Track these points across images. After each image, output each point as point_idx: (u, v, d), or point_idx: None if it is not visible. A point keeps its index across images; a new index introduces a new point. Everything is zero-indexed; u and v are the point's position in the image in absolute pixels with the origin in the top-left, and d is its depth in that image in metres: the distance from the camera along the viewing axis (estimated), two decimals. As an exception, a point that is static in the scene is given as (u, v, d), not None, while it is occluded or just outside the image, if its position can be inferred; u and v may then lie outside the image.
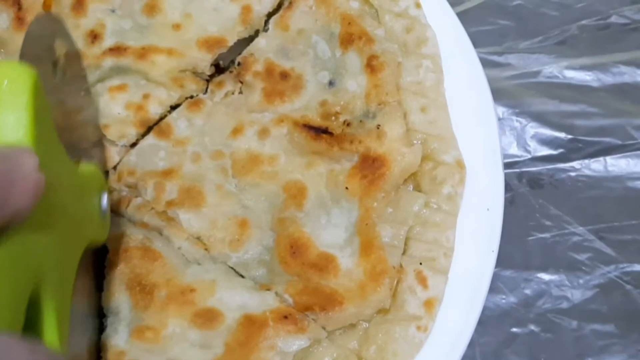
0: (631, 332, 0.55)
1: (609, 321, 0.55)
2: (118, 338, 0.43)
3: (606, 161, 0.61)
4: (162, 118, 0.52)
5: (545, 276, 0.57)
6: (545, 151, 0.62)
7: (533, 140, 0.62)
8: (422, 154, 0.49)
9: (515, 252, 0.57)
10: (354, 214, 0.47)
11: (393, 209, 0.47)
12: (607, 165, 0.61)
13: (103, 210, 0.44)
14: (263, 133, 0.50)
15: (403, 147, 0.48)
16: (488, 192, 0.49)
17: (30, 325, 0.31)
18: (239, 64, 0.53)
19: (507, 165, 0.58)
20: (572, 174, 0.61)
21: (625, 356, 0.54)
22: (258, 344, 0.42)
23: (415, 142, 0.50)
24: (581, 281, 0.57)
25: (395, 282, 0.45)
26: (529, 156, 0.62)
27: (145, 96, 0.52)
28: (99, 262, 0.46)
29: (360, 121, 0.50)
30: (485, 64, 0.54)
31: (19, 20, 0.53)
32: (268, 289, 0.45)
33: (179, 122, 0.51)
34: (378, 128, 0.49)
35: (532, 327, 0.55)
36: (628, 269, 0.57)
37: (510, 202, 0.59)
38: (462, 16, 0.54)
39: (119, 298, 0.45)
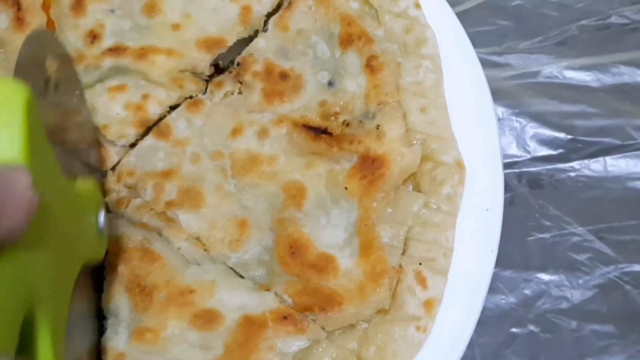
0: (631, 332, 0.55)
1: (609, 321, 0.55)
2: (118, 340, 0.43)
3: (606, 161, 0.61)
4: (161, 118, 0.52)
5: (544, 276, 0.57)
6: (544, 151, 0.62)
7: (533, 140, 0.62)
8: (421, 154, 0.49)
9: (514, 252, 0.57)
10: (353, 214, 0.47)
11: (392, 209, 0.47)
12: (607, 165, 0.61)
13: (100, 228, 0.43)
14: (262, 133, 0.50)
15: (402, 148, 0.48)
16: (488, 193, 0.49)
17: (25, 346, 0.30)
18: (238, 64, 0.53)
19: (506, 166, 0.58)
20: (572, 174, 0.61)
21: (624, 356, 0.54)
22: (257, 344, 0.42)
23: (414, 142, 0.50)
24: (581, 281, 0.57)
25: (395, 282, 0.45)
26: (529, 156, 0.62)
27: (145, 96, 0.51)
28: (98, 264, 0.46)
29: (360, 121, 0.50)
30: (485, 64, 0.54)
31: (19, 20, 0.53)
32: (267, 289, 0.45)
33: (178, 122, 0.51)
34: (377, 128, 0.48)
35: (532, 327, 0.55)
36: (628, 269, 0.57)
37: (510, 203, 0.59)
38: (462, 16, 0.54)
39: (119, 300, 0.45)
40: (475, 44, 0.53)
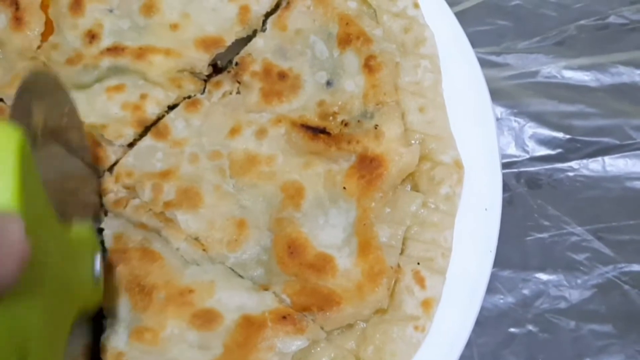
0: (629, 332, 0.55)
1: (607, 321, 0.55)
2: (117, 339, 0.43)
3: (604, 161, 0.61)
4: (159, 118, 0.52)
5: (543, 276, 0.57)
6: (543, 151, 0.62)
7: (531, 140, 0.62)
8: (420, 154, 0.49)
9: (513, 252, 0.57)
10: (351, 214, 0.47)
11: (391, 209, 0.47)
12: (606, 165, 0.61)
13: (96, 273, 0.42)
14: (261, 133, 0.50)
15: (401, 147, 0.48)
16: (486, 192, 0.49)
17: None
18: (236, 64, 0.53)
19: (505, 165, 0.58)
20: (571, 174, 0.61)
21: (623, 356, 0.54)
22: (257, 344, 0.42)
23: (413, 142, 0.50)
24: (579, 281, 0.57)
25: (393, 282, 0.45)
26: (527, 156, 0.62)
27: (143, 96, 0.51)
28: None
29: (358, 121, 0.50)
30: (484, 64, 0.54)
31: (17, 20, 0.53)
32: (266, 289, 0.45)
33: (176, 122, 0.51)
34: (376, 128, 0.48)
35: (530, 327, 0.55)
36: (626, 269, 0.57)
37: (509, 202, 0.59)
38: (461, 16, 0.54)
39: (118, 299, 0.45)
40: (474, 43, 0.53)
